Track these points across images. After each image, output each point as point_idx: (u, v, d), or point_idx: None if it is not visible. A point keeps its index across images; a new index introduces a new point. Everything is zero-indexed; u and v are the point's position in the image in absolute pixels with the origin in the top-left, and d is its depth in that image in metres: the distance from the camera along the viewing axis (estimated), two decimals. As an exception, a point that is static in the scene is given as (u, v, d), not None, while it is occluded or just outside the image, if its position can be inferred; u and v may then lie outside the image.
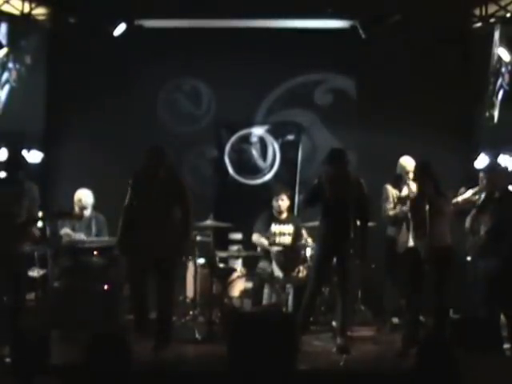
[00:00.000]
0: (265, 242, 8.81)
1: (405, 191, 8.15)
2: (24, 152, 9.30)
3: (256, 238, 8.92)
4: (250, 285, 8.75)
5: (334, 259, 7.58)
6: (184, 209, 7.23)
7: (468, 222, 7.63)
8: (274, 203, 8.94)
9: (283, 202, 8.91)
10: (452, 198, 7.67)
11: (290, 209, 9.19)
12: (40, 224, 8.11)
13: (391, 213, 8.18)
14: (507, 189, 7.74)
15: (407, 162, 8.44)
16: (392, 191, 8.49)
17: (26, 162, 7.60)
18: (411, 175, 7.99)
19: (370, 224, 8.12)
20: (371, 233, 7.94)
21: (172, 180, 7.29)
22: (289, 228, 8.89)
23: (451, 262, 7.28)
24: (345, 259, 7.47)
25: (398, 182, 8.50)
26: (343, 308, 7.45)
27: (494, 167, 8.29)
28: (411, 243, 7.27)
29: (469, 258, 7.80)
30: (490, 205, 7.41)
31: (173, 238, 7.10)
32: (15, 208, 7.12)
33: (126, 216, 7.19)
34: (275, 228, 8.88)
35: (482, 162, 9.52)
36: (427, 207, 7.13)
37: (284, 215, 8.95)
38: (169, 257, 7.14)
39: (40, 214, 7.61)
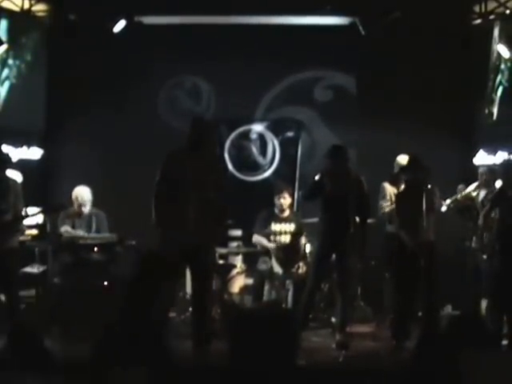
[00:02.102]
0: (264, 241, 8.79)
1: (402, 189, 8.20)
2: (8, 148, 9.25)
3: (255, 238, 8.91)
4: (249, 281, 8.76)
5: (334, 256, 7.60)
6: (221, 192, 6.76)
7: (481, 218, 7.64)
8: (276, 201, 8.88)
9: (285, 200, 8.86)
10: (439, 194, 7.68)
11: (292, 206, 9.17)
12: (40, 220, 8.16)
13: (388, 210, 8.21)
14: None
15: (405, 160, 8.45)
16: (390, 189, 8.51)
17: (9, 158, 7.57)
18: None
19: (370, 221, 8.15)
20: (371, 230, 7.97)
21: (216, 159, 6.85)
22: (290, 227, 8.86)
23: (435, 257, 7.31)
24: (344, 256, 7.48)
25: (396, 180, 8.52)
26: (343, 305, 7.47)
27: (510, 163, 8.22)
28: (404, 239, 7.34)
29: (485, 256, 7.78)
30: (503, 202, 7.39)
31: (211, 225, 6.62)
32: (2, 205, 7.13)
33: (161, 201, 6.57)
34: (275, 227, 8.84)
35: (480, 158, 9.55)
36: (415, 203, 7.19)
37: (286, 213, 8.89)
38: (208, 245, 6.69)
39: (37, 209, 7.63)
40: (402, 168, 7.86)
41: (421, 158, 7.48)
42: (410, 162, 7.72)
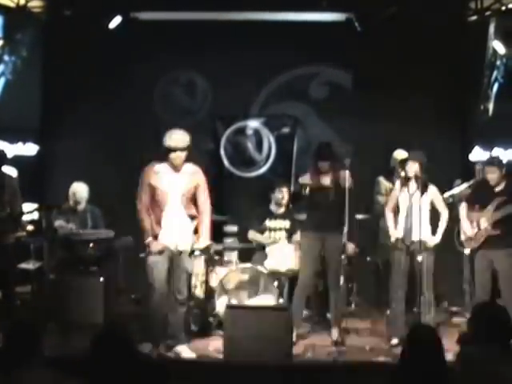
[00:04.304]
0: (260, 238, 8.79)
1: (397, 184, 8.20)
2: (3, 144, 9.26)
3: (252, 235, 8.91)
4: (245, 277, 8.76)
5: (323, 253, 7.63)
6: (204, 200, 6.95)
7: (463, 213, 7.65)
8: (276, 195, 8.85)
9: (284, 194, 8.83)
10: (438, 191, 7.67)
11: (288, 202, 9.15)
12: (35, 216, 8.15)
13: (383, 204, 8.24)
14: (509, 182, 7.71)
15: (401, 156, 8.47)
16: (385, 184, 8.53)
17: (5, 154, 7.60)
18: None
19: (366, 216, 8.18)
20: (366, 225, 7.98)
21: (198, 170, 6.98)
22: (285, 223, 8.84)
23: (432, 253, 7.30)
24: (333, 252, 7.50)
25: (392, 175, 8.55)
26: (335, 302, 7.48)
27: (492, 159, 8.18)
28: (400, 234, 7.33)
29: (466, 252, 7.79)
30: (484, 197, 7.39)
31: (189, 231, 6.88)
32: None
33: (145, 214, 6.83)
34: (270, 223, 8.83)
35: (476, 154, 9.57)
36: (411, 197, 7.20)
37: (281, 210, 8.88)
38: (187, 250, 6.93)
39: (34, 206, 7.63)
40: (401, 162, 7.87)
41: (422, 154, 7.47)
42: (408, 156, 7.73)
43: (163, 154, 6.85)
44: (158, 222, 6.80)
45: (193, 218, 6.91)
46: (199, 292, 8.34)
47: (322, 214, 7.43)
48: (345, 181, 7.32)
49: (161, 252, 6.77)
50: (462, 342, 4.26)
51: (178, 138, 6.79)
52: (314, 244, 7.55)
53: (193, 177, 6.92)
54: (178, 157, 6.78)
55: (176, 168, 6.83)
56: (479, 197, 7.43)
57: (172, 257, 6.84)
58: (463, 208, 7.54)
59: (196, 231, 6.98)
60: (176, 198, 6.80)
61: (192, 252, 7.08)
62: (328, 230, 7.40)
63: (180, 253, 6.87)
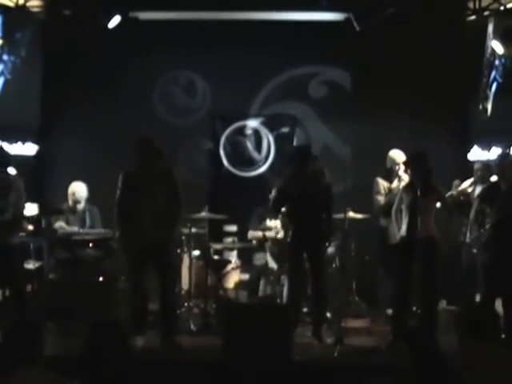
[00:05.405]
0: (260, 234, 8.82)
1: (395, 183, 8.23)
2: (3, 144, 9.25)
3: (251, 234, 8.94)
4: (244, 276, 8.79)
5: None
6: (176, 201, 7.16)
7: (472, 213, 7.64)
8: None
9: None
10: (442, 191, 7.66)
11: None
12: (35, 212, 8.18)
13: (382, 202, 8.26)
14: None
15: (397, 155, 8.50)
16: (383, 184, 8.55)
17: (10, 155, 7.60)
18: (401, 167, 8.07)
19: (365, 216, 8.18)
20: (365, 225, 7.98)
21: (168, 172, 7.27)
22: (284, 222, 8.86)
23: (436, 252, 7.30)
24: (316, 256, 7.54)
25: (389, 175, 8.56)
26: (318, 307, 7.56)
27: (504, 158, 8.14)
28: (402, 233, 7.33)
29: (474, 250, 7.78)
30: (496, 197, 7.35)
31: (166, 228, 7.08)
32: (2, 203, 7.11)
33: (120, 211, 7.15)
34: (271, 223, 8.85)
35: (475, 154, 9.58)
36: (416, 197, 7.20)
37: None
38: (163, 245, 7.10)
39: (35, 207, 7.64)
40: (404, 163, 7.89)
41: (425, 153, 7.48)
42: (412, 157, 7.73)
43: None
44: (138, 220, 7.03)
45: (170, 215, 7.13)
46: (198, 292, 8.37)
47: (301, 218, 7.48)
48: (325, 180, 7.39)
49: (139, 249, 7.01)
50: (461, 342, 4.27)
51: None
52: (296, 247, 7.59)
53: (166, 177, 7.21)
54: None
55: (150, 169, 7.15)
56: (491, 196, 7.42)
57: (151, 253, 7.04)
58: (474, 208, 7.53)
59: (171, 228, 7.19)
60: (154, 197, 7.04)
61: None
62: (308, 235, 7.46)
63: (160, 249, 7.06)
